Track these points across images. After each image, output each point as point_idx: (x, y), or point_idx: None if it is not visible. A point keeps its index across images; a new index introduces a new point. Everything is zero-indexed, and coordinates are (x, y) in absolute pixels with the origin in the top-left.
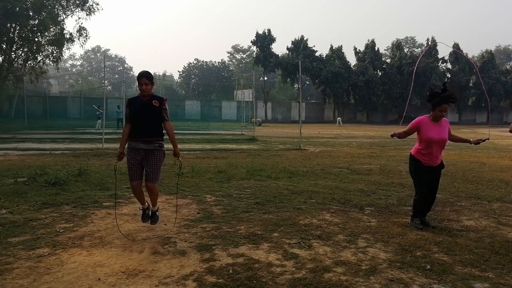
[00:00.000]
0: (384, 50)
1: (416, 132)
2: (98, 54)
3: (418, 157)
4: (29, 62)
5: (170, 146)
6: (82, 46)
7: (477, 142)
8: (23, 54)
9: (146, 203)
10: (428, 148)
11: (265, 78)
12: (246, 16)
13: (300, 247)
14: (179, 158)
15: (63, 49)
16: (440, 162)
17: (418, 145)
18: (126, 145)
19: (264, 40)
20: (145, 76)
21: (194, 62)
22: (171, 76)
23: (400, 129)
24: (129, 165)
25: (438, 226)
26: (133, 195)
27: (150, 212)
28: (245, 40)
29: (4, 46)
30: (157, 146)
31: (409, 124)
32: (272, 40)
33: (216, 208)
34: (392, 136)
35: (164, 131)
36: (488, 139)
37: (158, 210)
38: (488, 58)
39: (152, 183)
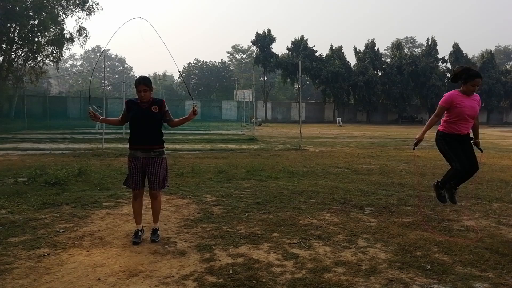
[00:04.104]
0: (384, 50)
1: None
2: (98, 54)
3: (447, 129)
4: (29, 62)
5: (171, 146)
6: (82, 46)
7: (476, 145)
8: (23, 54)
9: (141, 226)
10: (458, 120)
11: (265, 78)
12: (246, 16)
13: (300, 247)
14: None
15: (63, 49)
16: (468, 133)
17: (447, 117)
18: (127, 153)
19: (264, 40)
20: (143, 83)
21: (194, 62)
22: (171, 76)
23: (424, 128)
24: (130, 174)
25: (459, 203)
26: (132, 204)
27: (150, 233)
28: (245, 40)
29: (4, 46)
30: (157, 154)
31: (440, 103)
32: (272, 40)
33: (216, 208)
34: (415, 146)
35: (164, 131)
36: (481, 151)
37: (159, 229)
38: (488, 58)
39: (155, 190)
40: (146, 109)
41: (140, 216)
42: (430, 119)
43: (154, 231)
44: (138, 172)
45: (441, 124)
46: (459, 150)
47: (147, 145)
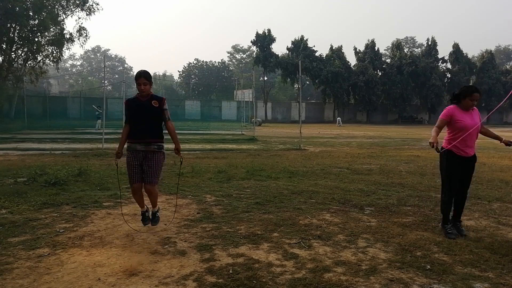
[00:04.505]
0: (384, 50)
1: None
2: (98, 54)
3: (451, 148)
4: (29, 62)
5: (171, 146)
6: (82, 46)
7: (508, 143)
8: (23, 54)
9: (146, 207)
10: (461, 136)
11: (265, 78)
12: (246, 16)
13: (300, 247)
14: (180, 157)
15: (63, 49)
16: (473, 154)
17: (450, 135)
18: (126, 146)
19: (264, 40)
20: (143, 76)
21: (194, 62)
22: (171, 76)
23: (433, 133)
24: (129, 167)
25: (467, 234)
26: (132, 197)
27: (150, 214)
28: (245, 40)
29: (4, 46)
30: (156, 147)
31: (440, 117)
32: (272, 40)
33: (216, 208)
34: (433, 146)
35: (165, 131)
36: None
37: (158, 210)
38: (488, 58)
39: (151, 185)
40: (145, 102)
41: (143, 201)
42: (433, 129)
43: (153, 215)
44: (137, 165)
45: (444, 142)
46: (457, 175)
47: (147, 139)
